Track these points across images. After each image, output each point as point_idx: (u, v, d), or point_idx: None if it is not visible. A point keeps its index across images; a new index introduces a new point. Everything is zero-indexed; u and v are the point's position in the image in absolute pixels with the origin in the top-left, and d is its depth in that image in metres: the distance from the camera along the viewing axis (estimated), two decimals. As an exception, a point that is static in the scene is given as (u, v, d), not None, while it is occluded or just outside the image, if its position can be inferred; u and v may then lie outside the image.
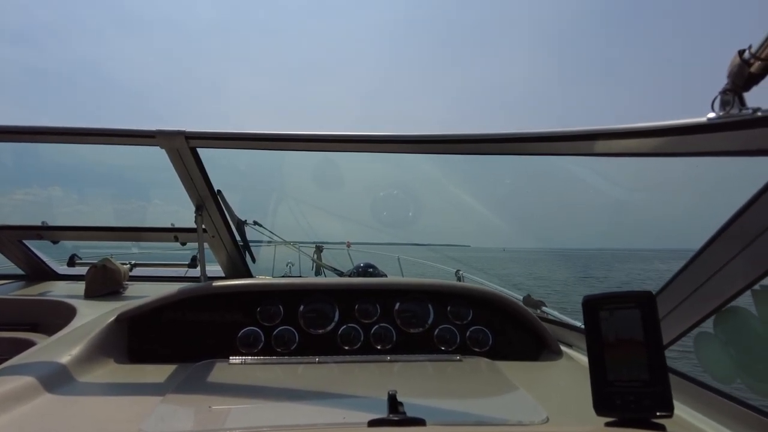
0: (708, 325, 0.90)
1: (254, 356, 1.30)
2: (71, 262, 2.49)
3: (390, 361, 1.29)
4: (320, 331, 1.39)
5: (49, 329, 1.55)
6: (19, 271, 2.31)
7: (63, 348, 1.14)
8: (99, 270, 1.95)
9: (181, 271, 2.49)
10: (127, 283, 2.08)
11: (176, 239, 2.13)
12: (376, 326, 1.40)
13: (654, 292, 0.76)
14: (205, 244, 1.83)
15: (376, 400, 0.93)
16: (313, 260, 2.88)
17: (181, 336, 1.35)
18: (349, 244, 3.98)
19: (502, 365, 1.23)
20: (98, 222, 2.23)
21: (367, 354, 1.35)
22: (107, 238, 2.21)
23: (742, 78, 0.68)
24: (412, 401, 0.83)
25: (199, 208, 1.70)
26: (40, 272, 2.32)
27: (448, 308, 1.45)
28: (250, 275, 2.02)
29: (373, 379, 1.17)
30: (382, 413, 0.75)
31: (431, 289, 1.49)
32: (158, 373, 1.14)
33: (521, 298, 1.86)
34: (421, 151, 1.38)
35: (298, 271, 2.93)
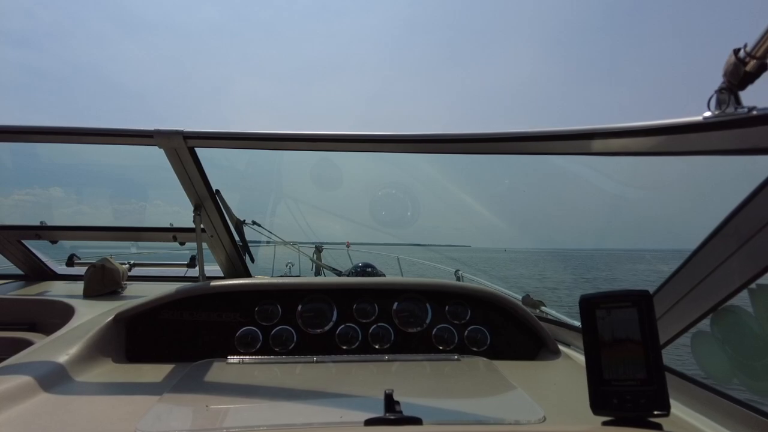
0: (705, 324, 0.90)
1: (252, 356, 1.30)
2: (70, 261, 2.49)
3: (388, 360, 1.29)
4: (318, 330, 1.39)
5: (48, 329, 1.55)
6: (18, 271, 2.31)
7: (61, 347, 1.14)
8: (98, 270, 1.95)
9: (180, 271, 2.49)
10: (125, 282, 2.08)
11: (175, 239, 2.13)
12: (374, 326, 1.40)
13: (651, 292, 0.76)
14: (204, 244, 1.83)
15: (373, 400, 0.93)
16: (312, 260, 2.88)
17: (179, 336, 1.35)
18: (348, 245, 3.98)
19: (500, 365, 1.23)
20: (97, 222, 2.23)
21: (365, 353, 1.35)
22: (106, 238, 2.21)
23: (738, 77, 0.68)
24: (409, 400, 0.83)
25: (198, 208, 1.70)
26: (38, 272, 2.33)
27: (447, 308, 1.45)
28: (248, 275, 2.02)
29: (371, 379, 1.17)
30: (380, 413, 0.75)
31: (429, 289, 1.48)
32: (156, 372, 1.14)
33: (521, 297, 1.86)
34: (420, 150, 1.38)
35: (298, 271, 2.93)
